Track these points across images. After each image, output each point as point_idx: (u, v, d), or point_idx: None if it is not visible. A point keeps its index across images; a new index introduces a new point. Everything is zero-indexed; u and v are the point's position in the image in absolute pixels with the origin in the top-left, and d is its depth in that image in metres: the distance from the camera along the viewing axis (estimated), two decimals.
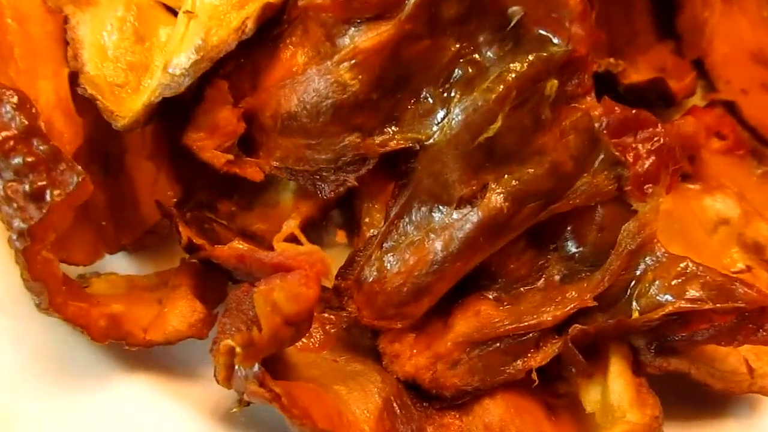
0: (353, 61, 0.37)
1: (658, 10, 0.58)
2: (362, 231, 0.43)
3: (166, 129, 0.45)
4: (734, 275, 0.46)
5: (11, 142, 0.34)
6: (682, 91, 0.51)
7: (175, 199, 0.46)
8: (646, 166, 0.37)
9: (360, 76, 0.38)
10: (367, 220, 0.43)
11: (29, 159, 0.34)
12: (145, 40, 0.42)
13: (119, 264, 0.47)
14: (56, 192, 0.34)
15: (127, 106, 0.39)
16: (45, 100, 0.44)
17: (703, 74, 0.57)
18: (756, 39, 0.58)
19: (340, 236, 0.47)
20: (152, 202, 0.46)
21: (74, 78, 0.44)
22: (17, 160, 0.34)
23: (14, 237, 0.33)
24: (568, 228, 0.42)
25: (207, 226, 0.43)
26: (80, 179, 0.34)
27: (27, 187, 0.34)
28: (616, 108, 0.38)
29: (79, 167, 0.35)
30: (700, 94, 0.56)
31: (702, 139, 0.49)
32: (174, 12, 0.44)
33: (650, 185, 0.37)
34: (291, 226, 0.38)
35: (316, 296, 0.35)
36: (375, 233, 0.42)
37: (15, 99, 0.35)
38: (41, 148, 0.34)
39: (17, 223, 0.34)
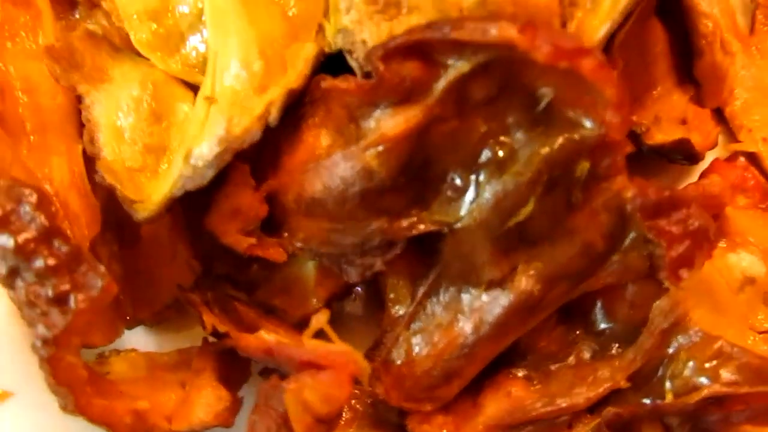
0: (380, 148, 0.37)
1: (676, 56, 0.58)
2: (388, 307, 0.43)
3: (184, 202, 0.44)
4: (762, 334, 0.47)
5: (32, 245, 0.33)
6: (704, 146, 0.51)
7: (194, 275, 0.45)
8: (681, 250, 0.37)
9: (387, 163, 0.37)
10: (392, 296, 0.42)
11: (51, 261, 0.33)
12: (162, 120, 0.41)
13: (137, 338, 0.47)
14: (80, 297, 0.33)
15: (145, 192, 0.39)
16: (59, 178, 0.44)
17: (723, 120, 0.57)
18: None
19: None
20: (170, 275, 0.45)
21: (89, 156, 0.44)
22: (38, 263, 0.33)
23: (38, 344, 0.33)
24: (599, 304, 0.42)
25: (229, 306, 0.43)
26: (104, 282, 0.33)
27: (50, 291, 0.33)
28: (650, 189, 0.37)
29: (102, 268, 0.34)
30: (721, 143, 0.56)
31: (728, 198, 0.48)
32: (191, 86, 0.43)
33: (686, 269, 0.37)
34: (321, 321, 0.38)
35: (348, 395, 0.35)
36: (401, 311, 0.42)
37: (34, 198, 0.34)
38: (63, 249, 0.33)
39: (41, 329, 0.33)
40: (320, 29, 0.41)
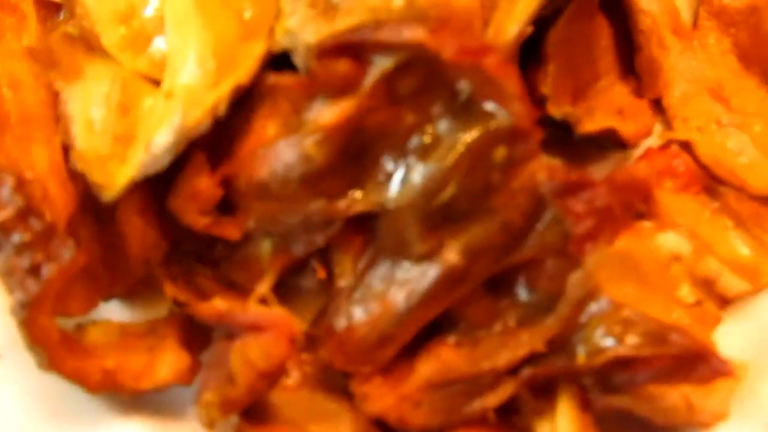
0: (317, 136, 0.42)
1: (620, 49, 0.62)
2: (334, 280, 0.48)
3: (151, 187, 0.50)
4: (687, 306, 0.51)
5: (10, 223, 0.39)
6: (638, 134, 0.55)
7: (162, 252, 0.51)
8: (586, 226, 0.42)
9: (324, 149, 0.42)
10: (337, 270, 0.48)
11: (27, 237, 0.39)
12: (129, 112, 0.46)
13: (113, 309, 0.52)
14: (52, 266, 0.38)
15: (114, 177, 0.44)
16: (40, 166, 0.49)
17: (662, 111, 0.61)
18: (715, 75, 0.62)
19: (321, 273, 0.52)
20: (142, 253, 0.51)
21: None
22: (16, 238, 0.39)
23: (16, 308, 0.38)
24: (521, 277, 0.46)
25: (194, 280, 0.48)
26: (73, 253, 0.39)
27: (26, 262, 0.39)
28: (559, 171, 0.42)
29: (72, 241, 0.39)
30: (659, 132, 0.60)
31: (654, 183, 0.53)
32: (156, 82, 0.48)
33: (590, 244, 0.42)
34: (263, 288, 0.43)
35: (286, 353, 0.40)
36: (345, 284, 0.47)
37: (12, 182, 0.39)
38: (37, 226, 0.39)
39: (18, 295, 0.38)
40: (271, 31, 0.46)
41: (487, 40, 0.38)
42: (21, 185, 0.40)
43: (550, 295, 0.46)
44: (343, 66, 0.41)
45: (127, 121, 0.46)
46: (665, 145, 0.58)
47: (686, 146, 0.59)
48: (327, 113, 0.42)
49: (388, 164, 0.44)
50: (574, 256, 0.45)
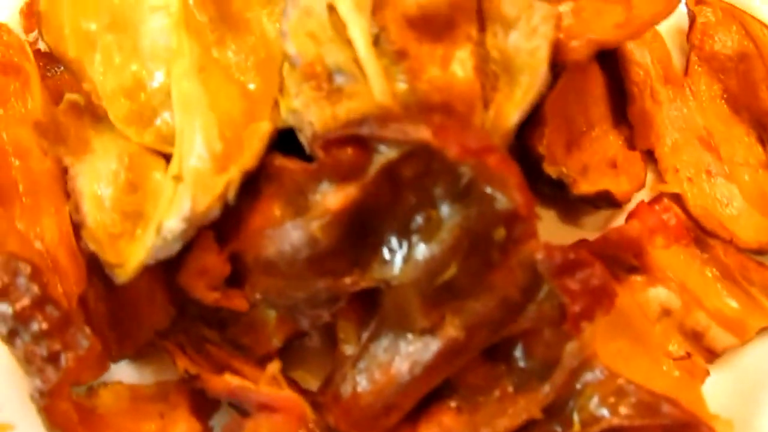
0: (323, 220, 0.44)
1: (613, 98, 0.64)
2: (339, 345, 0.50)
3: None
4: (676, 359, 0.54)
5: (28, 311, 0.40)
6: (630, 192, 0.57)
7: (170, 317, 0.52)
8: (582, 305, 0.44)
9: (330, 232, 0.44)
10: (342, 336, 0.50)
11: (44, 326, 0.40)
12: (137, 189, 0.48)
13: (122, 371, 0.54)
14: (70, 355, 0.40)
15: (124, 255, 0.46)
16: (50, 237, 0.51)
17: (653, 161, 0.63)
18: (705, 122, 0.64)
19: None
20: (150, 316, 0.52)
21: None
22: (34, 327, 0.41)
23: (35, 395, 0.40)
24: (519, 344, 0.49)
25: (202, 346, 0.50)
26: (90, 342, 0.40)
27: (44, 351, 0.40)
28: (556, 252, 0.44)
29: (88, 330, 0.41)
30: (651, 182, 0.62)
31: (645, 241, 0.55)
32: (164, 155, 0.50)
33: (586, 322, 0.44)
34: (274, 369, 0.45)
35: None
36: (349, 350, 0.49)
37: (29, 271, 0.41)
38: (54, 314, 0.41)
39: (37, 383, 0.40)
40: (276, 106, 0.48)
41: (489, 138, 0.39)
42: (36, 273, 0.41)
43: (546, 362, 0.48)
44: (348, 154, 0.42)
45: (136, 198, 0.47)
46: (657, 198, 0.60)
47: (677, 197, 0.61)
48: (333, 198, 0.43)
49: (392, 242, 0.46)
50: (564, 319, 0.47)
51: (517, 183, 0.40)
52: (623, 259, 0.58)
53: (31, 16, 0.62)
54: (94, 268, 0.53)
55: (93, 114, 0.51)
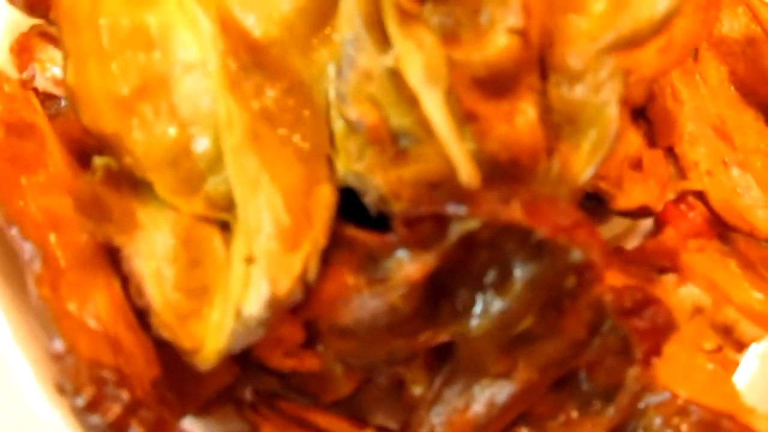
0: (403, 289, 0.44)
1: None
2: (407, 386, 0.51)
3: None
4: (708, 353, 0.58)
5: (122, 419, 0.40)
6: (661, 196, 0.59)
7: (233, 372, 0.52)
8: (650, 343, 0.46)
9: (410, 300, 0.44)
10: (410, 377, 0.51)
11: (142, 430, 0.40)
12: (199, 264, 0.46)
13: (186, 425, 0.54)
14: None
15: (197, 338, 0.45)
16: (106, 315, 0.49)
17: (673, 156, 0.65)
18: (717, 110, 0.66)
19: None
20: (213, 373, 0.52)
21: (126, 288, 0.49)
22: None
23: None
24: (582, 372, 0.51)
25: (273, 402, 0.50)
26: None
27: None
28: (625, 294, 0.46)
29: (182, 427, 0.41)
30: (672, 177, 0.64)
31: (682, 249, 0.58)
32: (216, 223, 0.48)
33: (654, 357, 0.47)
34: None
35: None
36: (417, 390, 0.51)
37: (115, 378, 0.40)
38: (149, 417, 0.40)
39: None
40: (331, 165, 0.47)
41: (576, 213, 0.40)
42: (123, 379, 0.40)
43: (609, 386, 0.51)
44: (428, 226, 0.42)
45: (199, 273, 0.46)
46: (681, 197, 0.62)
47: (699, 196, 0.63)
48: (411, 267, 0.44)
49: (466, 298, 0.46)
50: (632, 354, 0.50)
51: (600, 247, 0.41)
52: (655, 262, 0.61)
53: (23, 52, 0.58)
54: None
55: (130, 180, 0.49)
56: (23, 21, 0.59)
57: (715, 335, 0.61)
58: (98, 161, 0.49)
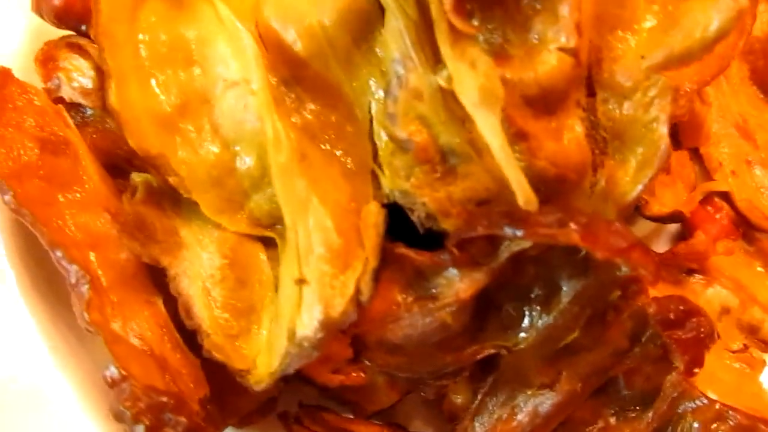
0: (453, 307, 0.44)
1: None
2: (448, 394, 0.52)
3: None
4: (735, 352, 0.59)
5: None
6: (692, 199, 0.60)
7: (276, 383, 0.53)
8: (693, 353, 0.47)
9: (459, 317, 0.45)
10: (452, 386, 0.52)
11: None
12: (246, 283, 0.46)
13: None
14: None
15: (248, 357, 0.45)
16: (150, 334, 0.49)
17: (697, 157, 0.66)
18: (739, 108, 0.67)
19: None
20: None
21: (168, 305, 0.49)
22: None
23: None
24: (621, 379, 0.52)
25: (316, 415, 0.51)
26: None
27: None
28: (670, 307, 0.47)
29: None
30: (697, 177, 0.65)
31: (712, 252, 0.59)
32: (259, 239, 0.48)
33: (696, 367, 0.48)
34: None
35: None
36: (458, 399, 0.52)
37: (172, 403, 0.40)
38: None
39: None
40: (376, 182, 0.47)
41: (631, 235, 0.40)
42: (180, 405, 0.40)
43: (647, 391, 0.52)
44: (478, 247, 0.43)
45: (246, 293, 0.46)
46: (708, 198, 0.63)
47: (724, 197, 0.64)
48: (462, 285, 0.44)
49: (512, 313, 0.47)
50: (671, 361, 0.51)
51: (654, 266, 0.42)
52: (684, 264, 0.62)
53: (48, 62, 0.56)
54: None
55: (171, 197, 0.48)
56: (43, 29, 0.59)
57: (741, 335, 0.63)
58: (137, 178, 0.48)
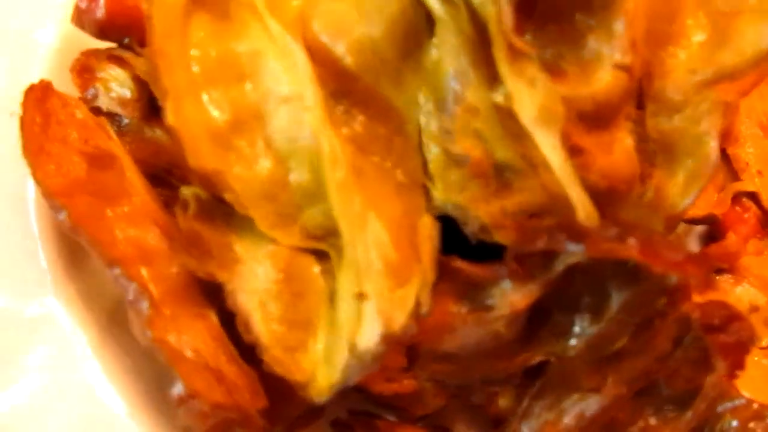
0: (508, 317, 0.46)
1: None
2: (494, 400, 0.54)
3: None
4: (763, 350, 0.62)
5: None
6: (724, 200, 0.62)
7: None
8: (735, 357, 0.49)
9: (513, 327, 0.46)
10: (499, 391, 0.54)
11: None
12: (302, 296, 0.47)
13: None
14: None
15: (307, 370, 0.46)
16: (205, 347, 0.49)
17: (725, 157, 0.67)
18: (764, 108, 0.68)
19: None
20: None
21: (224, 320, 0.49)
22: None
23: None
24: (661, 380, 0.54)
25: (367, 422, 0.52)
26: None
27: None
28: (714, 312, 0.49)
29: None
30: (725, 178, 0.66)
31: (743, 252, 0.60)
32: (313, 252, 0.49)
33: (738, 370, 0.49)
34: None
35: None
36: (504, 404, 0.53)
37: (239, 418, 0.41)
38: None
39: None
40: (427, 195, 0.48)
41: (686, 249, 0.42)
42: (245, 419, 0.41)
43: (686, 392, 0.54)
44: (535, 260, 0.44)
45: (302, 306, 0.47)
46: (736, 199, 0.65)
47: (751, 193, 0.66)
48: (517, 297, 0.45)
49: (563, 320, 0.48)
50: (711, 362, 0.53)
51: (704, 277, 0.43)
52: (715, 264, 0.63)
53: (84, 72, 0.56)
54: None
55: (222, 211, 0.49)
56: (74, 36, 0.59)
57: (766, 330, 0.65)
58: (186, 192, 0.48)
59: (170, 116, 0.44)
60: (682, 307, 0.49)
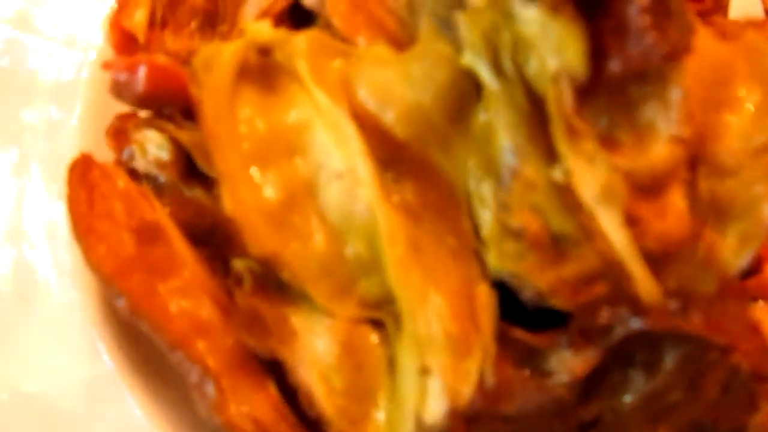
0: (569, 383, 0.47)
1: None
2: None
3: None
4: None
5: None
6: None
7: None
8: None
9: (574, 390, 0.47)
10: None
11: None
12: (362, 368, 0.48)
13: None
14: None
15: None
16: (266, 418, 0.50)
17: None
18: None
19: None
20: None
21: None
22: None
23: None
24: (707, 420, 0.56)
25: None
26: None
27: None
28: (763, 362, 0.50)
29: None
30: None
31: None
32: (371, 322, 0.49)
33: None
34: None
35: None
36: None
37: None
38: None
39: None
40: (481, 262, 0.48)
41: (748, 320, 0.43)
42: None
43: (731, 430, 0.56)
44: (595, 330, 0.45)
45: (363, 377, 0.48)
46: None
47: None
48: (576, 363, 0.46)
49: (618, 376, 0.50)
50: (756, 405, 0.55)
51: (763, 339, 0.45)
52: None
53: (118, 134, 0.56)
54: None
55: (275, 283, 0.49)
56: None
57: None
58: (240, 265, 0.49)
59: (228, 203, 0.44)
60: (733, 359, 0.51)
